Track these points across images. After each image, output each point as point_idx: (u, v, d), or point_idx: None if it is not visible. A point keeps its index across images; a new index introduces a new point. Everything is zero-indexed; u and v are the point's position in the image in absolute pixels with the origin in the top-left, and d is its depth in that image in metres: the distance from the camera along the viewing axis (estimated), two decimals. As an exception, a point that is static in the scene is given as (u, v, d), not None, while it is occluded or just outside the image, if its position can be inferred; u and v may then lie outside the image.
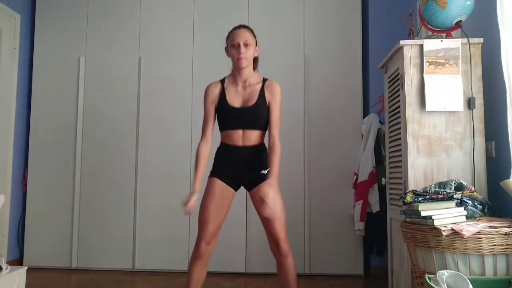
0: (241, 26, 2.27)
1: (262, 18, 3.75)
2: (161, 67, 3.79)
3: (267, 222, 2.16)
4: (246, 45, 2.19)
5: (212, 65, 3.73)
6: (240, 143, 2.21)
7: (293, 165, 3.61)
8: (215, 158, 2.29)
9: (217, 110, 2.25)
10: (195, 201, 2.10)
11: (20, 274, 2.24)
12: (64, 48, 3.88)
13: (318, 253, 3.54)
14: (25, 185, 3.81)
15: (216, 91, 2.26)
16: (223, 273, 3.51)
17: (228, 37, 2.26)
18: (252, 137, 2.22)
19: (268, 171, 2.16)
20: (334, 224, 3.56)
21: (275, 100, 2.24)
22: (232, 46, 2.21)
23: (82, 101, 3.82)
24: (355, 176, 3.45)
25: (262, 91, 2.23)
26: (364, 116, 3.60)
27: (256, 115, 2.21)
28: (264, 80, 2.29)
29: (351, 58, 3.68)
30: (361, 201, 3.32)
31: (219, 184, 2.20)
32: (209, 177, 2.26)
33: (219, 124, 2.29)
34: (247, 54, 2.20)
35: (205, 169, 2.23)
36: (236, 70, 2.26)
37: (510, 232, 1.68)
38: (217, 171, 2.24)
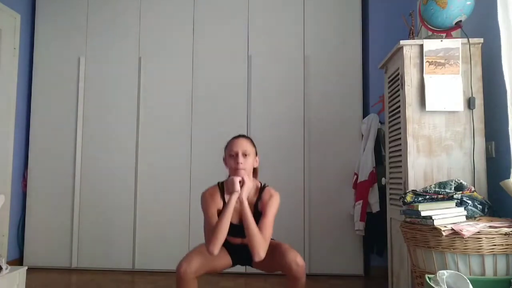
0: (240, 136, 2.20)
1: (262, 18, 3.75)
2: (161, 67, 3.79)
3: (280, 261, 2.06)
4: (245, 155, 2.11)
5: (212, 65, 3.74)
6: (239, 242, 2.17)
7: (293, 165, 3.61)
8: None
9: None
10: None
11: (20, 274, 2.25)
12: (64, 48, 3.88)
13: (318, 253, 3.54)
14: (25, 185, 3.81)
15: (217, 199, 2.15)
16: (223, 273, 3.51)
17: (226, 147, 2.18)
18: (244, 241, 2.13)
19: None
20: (334, 224, 3.56)
21: (269, 209, 2.11)
22: (230, 156, 2.13)
23: (82, 101, 3.82)
24: (355, 176, 3.45)
25: (256, 203, 2.16)
26: (364, 116, 3.60)
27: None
28: (262, 188, 2.19)
29: (351, 58, 3.68)
30: (361, 201, 3.32)
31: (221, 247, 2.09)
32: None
33: None
34: (246, 164, 2.10)
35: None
36: None
37: (510, 232, 1.68)
38: None
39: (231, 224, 2.08)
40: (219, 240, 2.02)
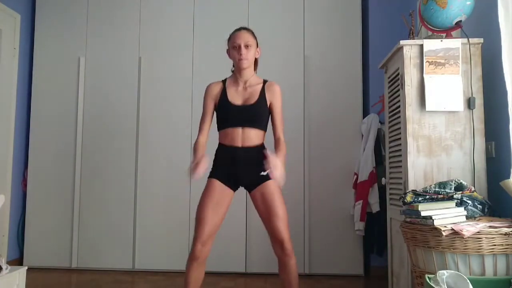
0: (242, 28, 2.31)
1: (262, 18, 3.75)
2: (161, 67, 3.79)
3: (270, 223, 2.15)
4: (247, 46, 2.24)
5: (212, 65, 3.73)
6: (239, 144, 2.21)
7: (293, 165, 3.61)
8: (214, 160, 2.28)
9: (217, 108, 2.27)
10: (206, 162, 2.06)
11: (20, 274, 2.25)
12: (64, 48, 3.88)
13: (318, 253, 3.54)
14: (25, 185, 3.81)
15: (217, 89, 2.31)
16: (223, 273, 3.52)
17: (229, 39, 2.30)
18: (252, 136, 2.22)
19: (267, 173, 2.12)
20: (334, 224, 3.56)
21: (277, 100, 2.30)
22: (233, 48, 2.26)
23: (82, 101, 3.82)
24: (355, 176, 3.45)
25: (262, 91, 2.29)
26: (364, 116, 3.60)
27: (257, 112, 2.24)
28: (265, 82, 2.34)
29: (351, 58, 3.68)
30: (361, 201, 3.32)
31: (217, 184, 2.20)
32: (208, 178, 2.26)
33: (218, 123, 2.29)
34: (248, 55, 2.25)
35: (204, 153, 2.19)
36: (238, 71, 2.31)
37: (510, 232, 1.68)
38: (215, 172, 2.25)
39: (234, 105, 2.21)
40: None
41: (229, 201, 2.23)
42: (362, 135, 3.52)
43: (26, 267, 2.32)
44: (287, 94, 3.68)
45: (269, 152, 2.10)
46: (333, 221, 3.56)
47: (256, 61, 2.36)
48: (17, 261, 3.71)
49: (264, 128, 2.28)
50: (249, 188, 2.25)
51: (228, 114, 2.23)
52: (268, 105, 2.28)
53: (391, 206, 2.61)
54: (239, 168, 2.21)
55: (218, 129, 2.29)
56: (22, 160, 3.84)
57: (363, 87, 3.68)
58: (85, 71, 3.85)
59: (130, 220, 3.68)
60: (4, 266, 2.13)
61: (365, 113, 3.64)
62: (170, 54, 3.80)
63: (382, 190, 3.16)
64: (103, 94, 3.82)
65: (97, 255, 3.68)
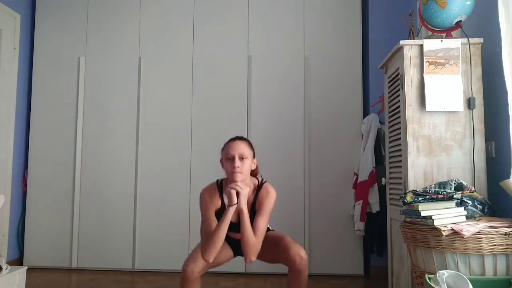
0: (237, 138, 2.14)
1: (262, 18, 3.75)
2: (161, 67, 3.79)
3: (280, 246, 2.09)
4: (241, 158, 2.05)
5: (212, 65, 3.74)
6: (239, 237, 2.11)
7: (293, 165, 3.61)
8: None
9: (217, 215, 2.12)
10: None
11: (20, 274, 2.25)
12: (64, 48, 3.88)
13: (318, 253, 3.54)
14: (25, 185, 3.81)
15: (215, 199, 2.14)
16: (223, 273, 3.51)
17: (223, 148, 2.13)
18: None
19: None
20: (334, 224, 3.56)
21: (264, 209, 2.10)
22: (227, 159, 2.07)
23: (82, 101, 3.82)
24: (355, 176, 3.45)
25: (253, 203, 2.14)
26: (364, 116, 3.60)
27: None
28: (260, 186, 2.17)
29: (351, 58, 3.68)
30: (361, 201, 3.32)
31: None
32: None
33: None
34: (243, 168, 2.05)
35: None
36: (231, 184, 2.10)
37: (510, 232, 1.68)
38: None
39: (231, 223, 2.06)
40: (215, 249, 2.01)
41: (227, 258, 2.23)
42: (362, 135, 3.52)
43: (26, 267, 2.33)
44: (287, 94, 3.70)
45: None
46: (333, 221, 3.56)
47: (253, 171, 2.18)
48: (17, 261, 3.71)
49: None
50: None
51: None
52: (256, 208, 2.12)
53: (391, 206, 2.61)
54: (238, 249, 2.18)
55: None
56: (22, 160, 3.84)
57: (363, 87, 3.68)
58: (85, 71, 3.85)
59: (130, 220, 3.68)
60: (4, 266, 2.13)
61: (365, 113, 3.64)
62: (170, 54, 3.79)
63: (382, 190, 3.16)
64: (103, 94, 3.82)
65: (97, 255, 3.68)
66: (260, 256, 2.14)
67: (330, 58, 3.69)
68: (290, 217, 3.56)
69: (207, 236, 2.04)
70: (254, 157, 2.16)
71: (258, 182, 2.19)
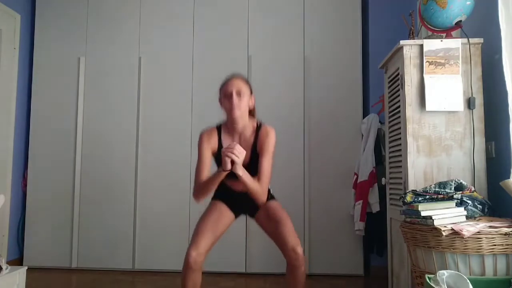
0: (235, 75, 2.18)
1: (262, 18, 3.75)
2: (161, 67, 3.80)
3: (279, 233, 2.12)
4: (239, 94, 2.08)
5: (212, 65, 3.73)
6: (239, 189, 2.17)
7: (293, 165, 3.61)
8: (216, 191, 2.22)
9: (215, 157, 2.19)
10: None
11: (20, 274, 2.25)
12: (64, 48, 3.88)
13: (318, 253, 3.54)
14: (25, 185, 3.81)
15: (213, 140, 2.17)
16: (223, 273, 3.51)
17: (221, 88, 2.16)
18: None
19: (269, 197, 2.23)
20: (334, 224, 3.56)
21: (266, 149, 2.12)
22: (225, 97, 2.11)
23: (82, 101, 3.82)
24: (355, 176, 3.45)
25: (254, 144, 2.16)
26: (364, 116, 3.60)
27: (251, 168, 2.10)
28: (259, 127, 2.20)
29: (351, 58, 3.68)
30: (361, 201, 3.32)
31: (220, 204, 2.23)
32: (211, 200, 2.29)
33: (218, 166, 2.17)
34: (241, 104, 2.08)
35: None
36: (230, 122, 2.15)
37: (510, 232, 1.68)
38: (219, 195, 2.26)
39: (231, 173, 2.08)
40: (204, 196, 2.13)
41: (228, 222, 2.23)
42: (362, 135, 3.52)
43: (26, 267, 2.32)
44: (287, 94, 3.69)
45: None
46: (333, 221, 3.56)
47: (251, 111, 2.22)
48: (17, 261, 3.71)
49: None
50: (252, 213, 2.25)
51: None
52: (258, 151, 2.14)
53: (391, 206, 2.61)
54: (242, 204, 2.24)
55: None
56: (22, 160, 3.84)
57: (363, 87, 3.68)
58: (85, 71, 3.85)
59: (130, 220, 3.68)
60: (4, 266, 2.13)
61: (365, 113, 3.64)
62: (170, 54, 3.80)
63: (382, 190, 3.16)
64: (103, 94, 3.82)
65: (97, 255, 3.68)
66: (258, 221, 2.22)
67: (330, 58, 3.69)
68: (290, 217, 3.55)
69: (198, 174, 2.11)
70: (251, 94, 2.18)
71: (257, 124, 2.21)
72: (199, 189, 2.12)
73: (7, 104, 3.63)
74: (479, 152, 2.19)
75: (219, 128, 2.21)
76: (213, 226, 2.13)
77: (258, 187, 2.07)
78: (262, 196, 2.10)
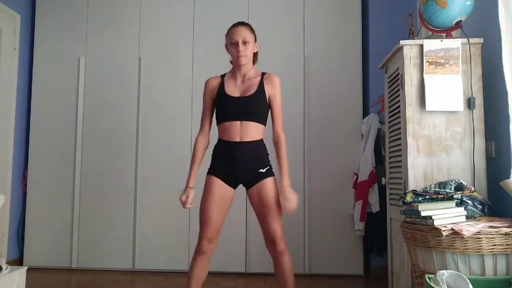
0: (240, 24, 2.28)
1: (262, 18, 3.74)
2: (161, 67, 3.79)
3: (264, 220, 2.18)
4: (244, 42, 2.22)
5: (212, 65, 3.73)
6: (237, 139, 2.18)
7: (293, 165, 3.55)
8: (213, 155, 2.29)
9: (216, 101, 2.27)
10: (192, 198, 2.18)
11: (20, 274, 2.24)
12: (64, 48, 3.88)
13: (318, 253, 3.54)
14: (25, 185, 3.81)
15: (215, 83, 2.29)
16: (223, 273, 3.51)
17: (227, 34, 2.28)
18: (251, 131, 2.19)
19: (267, 170, 2.21)
20: (334, 224, 3.56)
21: (276, 92, 2.26)
22: (231, 44, 2.24)
23: (82, 101, 3.82)
24: (355, 176, 3.45)
25: (261, 83, 2.26)
26: (364, 116, 3.60)
27: (255, 104, 2.20)
28: (263, 74, 2.31)
29: (351, 58, 3.68)
30: (361, 201, 3.32)
31: (218, 182, 2.21)
32: (207, 174, 2.26)
33: (217, 117, 2.28)
34: (246, 52, 2.23)
35: (201, 164, 2.29)
36: (236, 67, 2.29)
37: (510, 232, 1.68)
38: (215, 169, 2.24)
39: (231, 97, 2.21)
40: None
41: (231, 199, 2.24)
42: (362, 135, 3.52)
43: (26, 267, 2.32)
44: (287, 94, 3.67)
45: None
46: (333, 221, 3.56)
47: (255, 54, 2.34)
48: (17, 261, 3.71)
49: (263, 122, 2.25)
50: (248, 186, 2.25)
51: (225, 106, 2.21)
52: (267, 98, 2.24)
53: (391, 206, 2.61)
54: (238, 165, 2.19)
55: (217, 124, 2.28)
56: (22, 160, 3.84)
57: (363, 87, 3.68)
58: (85, 71, 3.85)
59: (130, 220, 3.68)
60: (4, 266, 2.13)
61: (365, 113, 3.64)
62: (170, 54, 3.79)
63: (382, 190, 3.16)
64: (103, 94, 3.82)
65: (97, 255, 3.68)
66: (251, 202, 2.24)
67: (330, 58, 3.69)
68: (290, 217, 3.54)
69: (201, 120, 2.34)
70: (255, 40, 2.31)
71: (261, 72, 2.33)
72: (194, 147, 2.32)
73: (7, 104, 3.63)
74: (479, 152, 2.19)
75: (222, 76, 2.33)
76: (217, 208, 2.18)
77: (286, 159, 2.25)
78: (286, 155, 2.26)
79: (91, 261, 3.69)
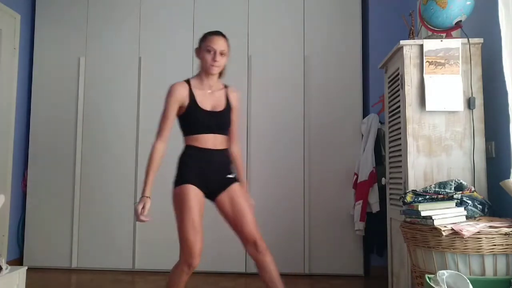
0: (219, 33, 2.28)
1: (262, 18, 3.75)
2: (161, 67, 3.79)
3: (241, 224, 2.16)
4: (221, 53, 2.22)
5: (212, 65, 3.73)
6: (211, 146, 2.18)
7: (293, 165, 3.61)
8: (182, 163, 2.21)
9: (186, 112, 2.20)
10: (148, 208, 2.11)
11: (20, 274, 2.24)
12: (64, 48, 3.88)
13: (318, 253, 3.54)
14: (25, 185, 3.81)
15: (184, 93, 2.20)
16: (223, 273, 3.51)
17: (203, 40, 2.25)
18: (221, 141, 2.23)
19: (234, 176, 2.25)
20: (334, 224, 3.56)
21: (237, 106, 2.34)
22: (207, 51, 2.21)
23: (82, 101, 3.82)
24: (355, 176, 3.45)
25: (227, 97, 2.29)
26: (364, 116, 3.60)
27: (226, 120, 2.25)
28: (225, 86, 2.35)
29: (351, 58, 3.68)
30: (361, 201, 3.32)
31: (195, 191, 2.12)
32: (180, 184, 2.15)
33: (186, 127, 2.22)
34: (221, 63, 2.23)
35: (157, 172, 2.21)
36: (205, 75, 2.25)
37: (510, 232, 1.68)
38: (188, 177, 2.15)
39: (204, 111, 2.17)
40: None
41: (203, 206, 2.18)
42: (362, 135, 3.52)
43: (26, 267, 2.32)
44: (287, 94, 3.70)
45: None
46: (333, 221, 3.56)
47: (222, 70, 2.34)
48: (17, 261, 3.71)
49: (227, 133, 2.30)
50: (216, 193, 2.19)
51: (198, 120, 2.18)
52: (231, 110, 2.30)
53: (391, 206, 2.61)
54: (212, 172, 2.17)
55: (187, 134, 2.22)
56: (22, 160, 3.84)
57: (363, 87, 3.68)
58: (85, 71, 3.85)
59: (130, 220, 3.68)
60: (4, 266, 2.13)
61: (365, 113, 3.64)
62: (170, 54, 3.80)
63: (382, 190, 3.16)
64: (103, 94, 3.82)
65: (97, 255, 3.68)
66: (221, 209, 2.20)
67: (330, 58, 3.69)
68: (290, 217, 3.56)
69: (161, 129, 2.22)
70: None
71: (224, 85, 2.35)
72: (151, 152, 2.22)
73: (7, 104, 3.63)
74: (479, 152, 2.19)
75: (188, 82, 2.26)
76: (200, 221, 2.10)
77: (242, 168, 2.35)
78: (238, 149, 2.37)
79: (91, 261, 3.69)
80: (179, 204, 2.11)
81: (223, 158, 2.23)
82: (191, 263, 2.06)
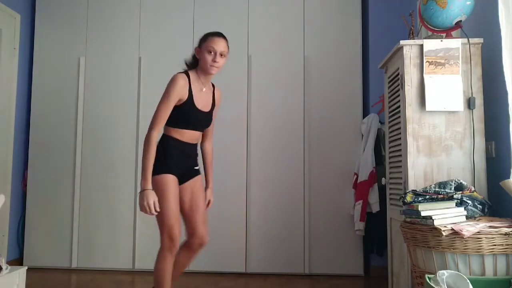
0: (221, 35, 2.32)
1: (262, 18, 3.75)
2: (161, 67, 3.79)
3: (193, 216, 2.34)
4: (222, 55, 2.27)
5: (212, 65, 3.73)
6: (192, 142, 2.33)
7: (293, 165, 3.61)
8: (166, 153, 2.24)
9: (181, 107, 2.23)
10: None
11: (20, 274, 2.24)
12: (64, 48, 3.88)
13: (318, 253, 3.54)
14: (25, 185, 3.81)
15: (185, 87, 2.24)
16: (223, 273, 3.51)
17: (205, 40, 2.29)
18: (197, 137, 2.37)
19: (198, 168, 2.41)
20: (334, 224, 3.56)
21: (219, 105, 2.48)
22: (208, 52, 2.25)
23: (82, 101, 3.82)
24: (355, 176, 3.45)
25: (213, 97, 2.40)
26: (364, 116, 3.60)
27: (210, 119, 2.38)
28: (213, 86, 2.45)
29: (351, 58, 3.68)
30: (361, 201, 3.32)
31: (175, 181, 2.25)
32: (161, 173, 2.21)
33: (174, 120, 2.24)
34: (220, 64, 2.28)
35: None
36: (203, 74, 2.32)
37: (510, 232, 1.68)
38: (169, 167, 2.23)
39: (198, 111, 2.26)
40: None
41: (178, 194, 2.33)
42: (362, 135, 3.52)
43: (26, 267, 2.32)
44: (287, 94, 3.69)
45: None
46: (333, 221, 3.56)
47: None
48: (17, 261, 3.71)
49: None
50: (183, 180, 2.32)
51: (191, 117, 2.26)
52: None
53: (391, 206, 2.61)
54: (185, 162, 2.31)
55: (175, 126, 2.25)
56: (22, 160, 3.84)
57: (363, 87, 3.68)
58: (85, 71, 3.85)
59: (130, 220, 3.68)
60: (4, 266, 2.13)
61: (365, 113, 3.64)
62: (170, 54, 3.79)
63: (382, 190, 3.16)
64: (103, 94, 3.82)
65: (97, 255, 3.68)
66: (181, 197, 2.32)
67: (330, 58, 3.69)
68: (290, 217, 3.56)
69: (159, 118, 2.19)
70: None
71: (212, 84, 2.45)
72: (148, 143, 2.17)
73: (7, 104, 3.63)
74: (479, 152, 2.19)
75: (187, 76, 2.29)
76: (177, 209, 2.27)
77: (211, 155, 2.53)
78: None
79: (91, 261, 3.69)
80: (160, 192, 2.19)
81: (195, 152, 2.38)
82: (171, 246, 2.24)
